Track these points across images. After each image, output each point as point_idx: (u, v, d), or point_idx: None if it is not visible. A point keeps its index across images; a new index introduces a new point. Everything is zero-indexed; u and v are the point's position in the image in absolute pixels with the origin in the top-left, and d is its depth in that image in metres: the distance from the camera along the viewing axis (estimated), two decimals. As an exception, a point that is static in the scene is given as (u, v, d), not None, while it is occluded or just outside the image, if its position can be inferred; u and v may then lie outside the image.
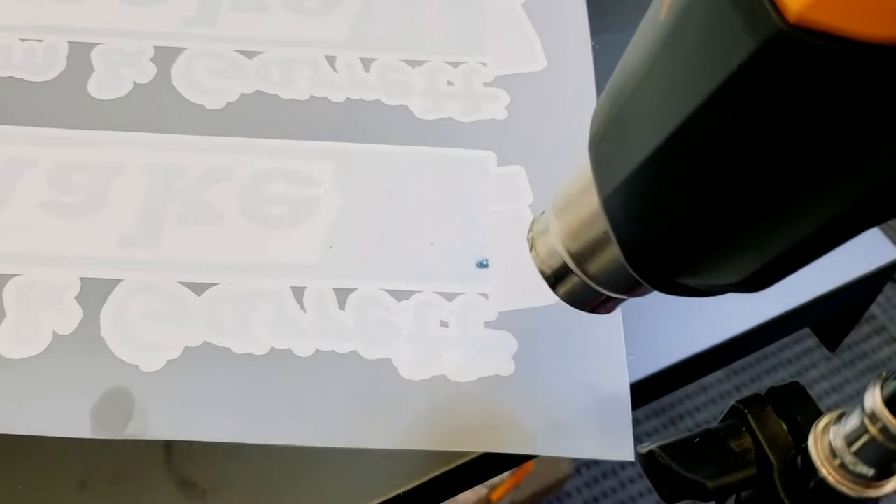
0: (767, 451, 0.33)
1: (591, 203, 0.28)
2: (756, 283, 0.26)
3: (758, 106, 0.20)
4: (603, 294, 0.32)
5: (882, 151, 0.20)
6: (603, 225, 0.28)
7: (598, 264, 0.31)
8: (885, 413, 0.27)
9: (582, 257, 0.31)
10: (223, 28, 0.53)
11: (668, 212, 0.25)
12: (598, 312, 0.34)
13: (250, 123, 0.48)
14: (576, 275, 0.32)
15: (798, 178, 0.21)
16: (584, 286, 0.32)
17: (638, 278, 0.28)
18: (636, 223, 0.27)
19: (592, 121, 0.28)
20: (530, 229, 0.34)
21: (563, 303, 0.42)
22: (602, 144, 0.27)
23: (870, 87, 0.19)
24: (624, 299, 0.33)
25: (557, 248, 0.32)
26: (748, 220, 0.23)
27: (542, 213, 0.33)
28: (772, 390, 0.35)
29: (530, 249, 0.34)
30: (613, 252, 0.29)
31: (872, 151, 0.20)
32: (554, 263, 0.32)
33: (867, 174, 0.21)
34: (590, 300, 0.33)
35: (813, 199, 0.22)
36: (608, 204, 0.27)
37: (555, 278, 0.33)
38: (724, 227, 0.24)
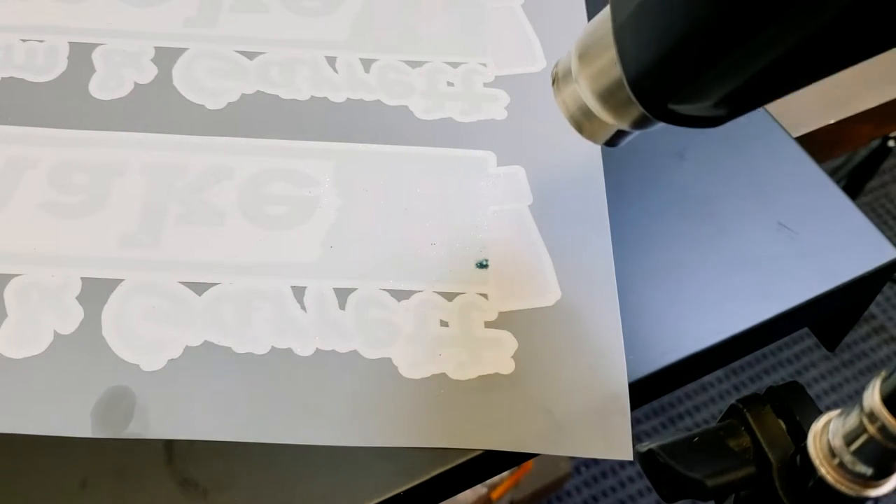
0: (766, 450, 0.33)
1: (609, 45, 0.33)
2: (732, 103, 0.31)
3: None
4: (615, 125, 0.36)
5: None
6: (612, 54, 0.33)
7: (613, 100, 0.35)
8: (883, 412, 0.27)
9: (601, 96, 0.35)
10: (224, 28, 0.53)
11: (661, 35, 0.30)
12: (609, 145, 0.38)
13: (251, 124, 0.48)
14: (594, 113, 0.36)
15: (763, 7, 0.26)
16: (601, 121, 0.36)
17: (638, 104, 0.33)
18: (638, 51, 0.32)
19: None
20: (555, 67, 0.38)
21: (562, 303, 0.42)
22: None
23: None
24: (630, 132, 0.37)
25: (581, 91, 0.36)
26: (724, 46, 0.28)
27: (566, 57, 0.37)
28: (771, 390, 0.35)
29: (553, 84, 0.38)
30: (624, 86, 0.33)
31: None
32: (576, 105, 0.37)
33: (818, 8, 0.25)
34: (603, 132, 0.37)
35: (774, 26, 0.26)
36: (618, 36, 0.32)
37: (576, 119, 0.38)
38: (705, 51, 0.29)
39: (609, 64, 0.34)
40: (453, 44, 0.53)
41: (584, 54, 0.36)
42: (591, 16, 0.55)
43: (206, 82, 0.50)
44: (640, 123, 0.35)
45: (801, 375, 1.28)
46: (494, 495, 1.04)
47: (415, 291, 0.42)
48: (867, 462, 0.29)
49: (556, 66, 0.38)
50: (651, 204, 0.47)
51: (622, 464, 1.15)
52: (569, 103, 0.38)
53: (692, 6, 0.29)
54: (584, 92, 0.36)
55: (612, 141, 0.38)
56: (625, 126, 0.36)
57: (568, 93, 0.37)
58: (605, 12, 0.34)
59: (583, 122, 0.38)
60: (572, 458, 1.14)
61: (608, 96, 0.35)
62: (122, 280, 0.42)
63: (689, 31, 0.29)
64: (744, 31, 0.27)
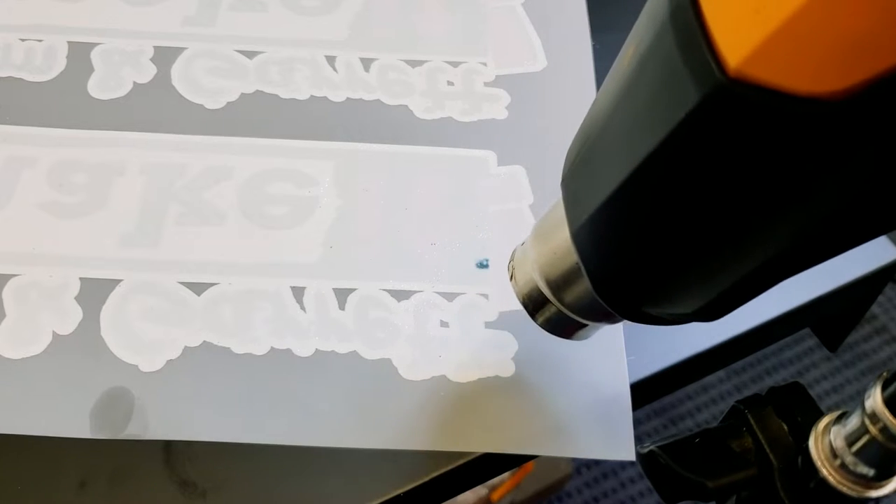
0: (768, 451, 0.33)
1: (564, 236, 0.30)
2: (709, 313, 0.28)
3: (704, 152, 0.22)
4: (578, 322, 0.33)
5: (815, 195, 0.21)
6: (574, 257, 0.30)
7: (571, 294, 0.32)
8: (885, 413, 0.27)
9: (557, 287, 0.32)
10: (223, 28, 0.53)
11: (627, 246, 0.27)
12: (576, 339, 0.35)
13: (250, 123, 0.48)
14: (552, 304, 0.33)
15: (742, 218, 0.23)
16: (560, 314, 0.33)
17: (606, 307, 0.30)
18: (601, 256, 0.29)
19: (566, 159, 0.30)
20: (511, 259, 0.35)
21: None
22: (572, 181, 0.29)
23: (802, 136, 0.20)
24: (599, 326, 0.34)
25: (535, 277, 0.33)
26: (699, 256, 0.25)
27: (523, 243, 0.35)
28: (772, 390, 0.35)
29: (510, 278, 0.35)
30: (584, 283, 0.30)
31: (807, 194, 0.22)
32: (531, 293, 0.34)
33: (803, 215, 0.22)
34: (566, 327, 0.34)
35: (755, 238, 0.23)
36: (577, 237, 0.29)
37: (533, 306, 0.34)
38: (677, 261, 0.26)
39: (572, 266, 0.31)
40: (453, 43, 0.53)
41: (546, 254, 0.32)
42: (591, 15, 0.55)
43: (205, 82, 0.50)
44: (618, 320, 0.33)
45: (803, 376, 1.28)
46: (495, 496, 1.04)
47: (415, 291, 0.42)
48: (869, 463, 0.28)
49: (512, 259, 0.35)
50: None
51: (623, 465, 1.14)
52: (533, 302, 0.34)
53: (649, 228, 0.26)
54: (548, 292, 0.33)
55: (581, 335, 0.35)
56: (602, 325, 0.34)
57: (531, 293, 0.34)
58: (559, 205, 0.31)
59: (553, 322, 0.34)
60: (573, 459, 1.14)
61: (578, 300, 0.32)
62: (120, 280, 0.42)
63: (649, 249, 0.26)
64: (709, 250, 0.25)
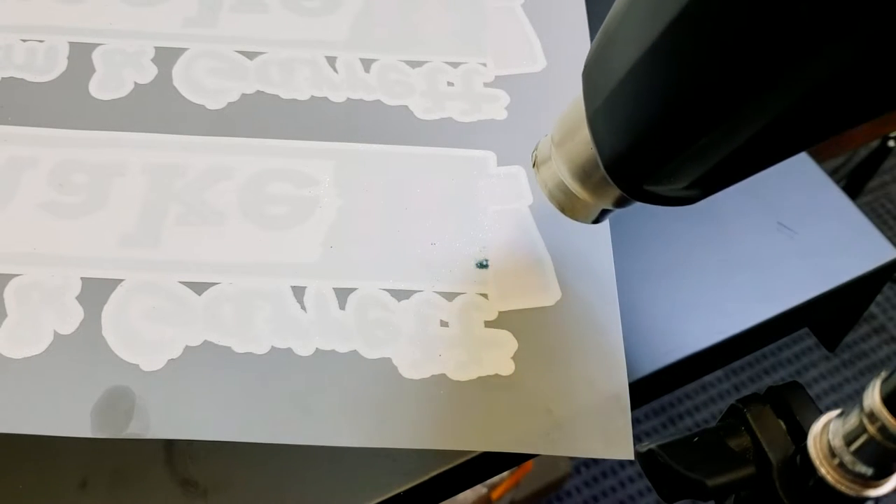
0: (766, 450, 0.33)
1: (583, 126, 0.34)
2: (703, 185, 0.32)
3: (710, 27, 0.26)
4: (598, 205, 0.37)
5: (805, 69, 0.25)
6: (588, 141, 0.34)
7: (591, 180, 0.36)
8: (883, 412, 0.27)
9: (578, 176, 0.36)
10: (223, 29, 0.53)
11: (634, 123, 0.31)
12: (595, 223, 0.39)
13: (251, 123, 0.48)
14: (573, 193, 0.37)
15: (735, 91, 0.27)
16: (582, 201, 0.37)
17: (615, 186, 0.34)
18: (612, 137, 0.33)
19: (586, 57, 0.34)
20: (535, 150, 0.40)
21: (562, 303, 0.42)
22: (591, 72, 0.33)
23: (795, 9, 0.24)
24: (612, 210, 0.38)
25: (559, 170, 0.37)
26: (696, 130, 0.29)
27: (544, 137, 0.39)
28: (771, 390, 0.35)
29: (533, 166, 0.40)
30: (600, 167, 0.34)
31: (797, 68, 0.25)
32: (556, 185, 0.38)
33: (790, 92, 0.26)
34: (587, 211, 0.38)
35: (746, 113, 0.28)
36: (593, 123, 0.33)
37: (557, 199, 0.38)
38: (676, 136, 0.30)
39: (585, 148, 0.35)
40: (453, 44, 0.53)
41: (562, 139, 0.37)
42: (590, 15, 0.55)
43: (206, 82, 0.50)
44: (619, 203, 0.36)
45: (802, 375, 1.28)
46: (494, 495, 1.04)
47: (415, 291, 0.42)
48: (867, 462, 0.29)
49: (536, 148, 0.40)
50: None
51: (622, 464, 1.15)
52: (549, 184, 0.38)
53: (660, 98, 0.30)
54: (564, 174, 0.37)
55: (597, 219, 0.39)
56: (605, 205, 0.37)
57: (548, 174, 0.38)
58: (578, 99, 0.35)
59: (564, 202, 0.38)
60: (572, 458, 1.14)
61: (586, 178, 0.36)
62: (122, 280, 0.42)
63: (658, 119, 0.30)
64: (708, 120, 0.29)
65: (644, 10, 0.29)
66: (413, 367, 0.40)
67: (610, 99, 0.32)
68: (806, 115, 0.27)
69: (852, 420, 0.28)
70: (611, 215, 0.39)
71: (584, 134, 0.34)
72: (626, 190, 0.34)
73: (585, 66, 0.34)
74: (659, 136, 0.31)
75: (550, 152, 0.38)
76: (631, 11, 0.30)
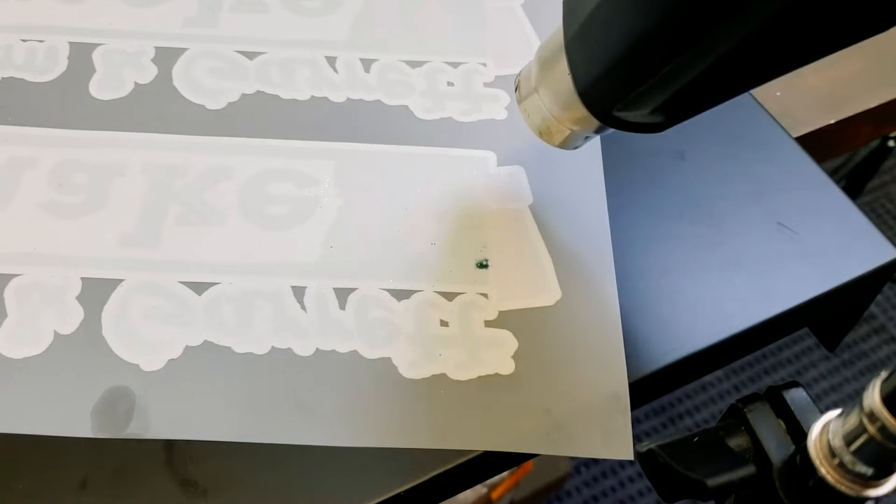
0: (766, 450, 0.33)
1: (560, 46, 0.37)
2: (667, 112, 0.35)
3: None
4: (577, 132, 0.40)
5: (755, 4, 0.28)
6: (564, 64, 0.37)
7: (570, 110, 0.38)
8: (883, 412, 0.27)
9: (559, 105, 0.39)
10: (224, 29, 0.53)
11: (606, 48, 0.34)
12: (572, 148, 0.42)
13: (251, 123, 0.48)
14: (556, 121, 0.40)
15: (691, 20, 0.30)
16: (563, 128, 0.40)
17: (587, 111, 0.37)
18: (586, 63, 0.36)
19: None
20: (518, 75, 0.42)
21: (562, 303, 0.42)
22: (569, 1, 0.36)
23: None
24: (591, 136, 0.41)
25: (542, 103, 0.40)
26: (660, 56, 0.32)
27: (525, 69, 0.41)
28: (771, 390, 0.35)
29: (515, 89, 0.42)
30: (572, 89, 0.37)
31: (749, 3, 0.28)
32: (540, 116, 0.40)
33: (747, 19, 0.29)
34: (566, 139, 0.41)
35: (706, 39, 0.30)
36: (569, 49, 0.36)
37: (540, 129, 0.41)
38: (644, 61, 0.33)
39: (562, 74, 0.37)
40: (453, 44, 0.53)
41: (543, 64, 0.39)
42: (591, 16, 0.55)
43: (206, 82, 0.50)
44: (596, 128, 0.39)
45: (802, 375, 1.28)
46: (494, 495, 1.04)
47: (415, 291, 0.42)
48: (867, 462, 0.29)
49: (519, 74, 0.42)
50: (651, 204, 0.47)
51: (622, 464, 1.15)
52: (529, 110, 0.41)
53: (628, 26, 0.33)
54: (544, 99, 0.39)
55: (573, 144, 0.41)
56: (581, 131, 0.39)
57: (529, 100, 0.41)
58: (560, 25, 0.37)
59: (542, 126, 0.41)
60: (572, 458, 1.14)
61: (563, 103, 0.38)
62: (122, 280, 0.42)
63: (627, 45, 0.33)
64: (672, 47, 0.32)
65: None
66: (413, 366, 0.40)
67: (584, 26, 0.35)
68: (763, 45, 0.30)
69: (852, 420, 0.28)
70: (588, 141, 0.41)
71: (562, 60, 0.37)
72: (597, 115, 0.37)
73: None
74: (627, 63, 0.33)
75: (532, 79, 0.40)
76: None
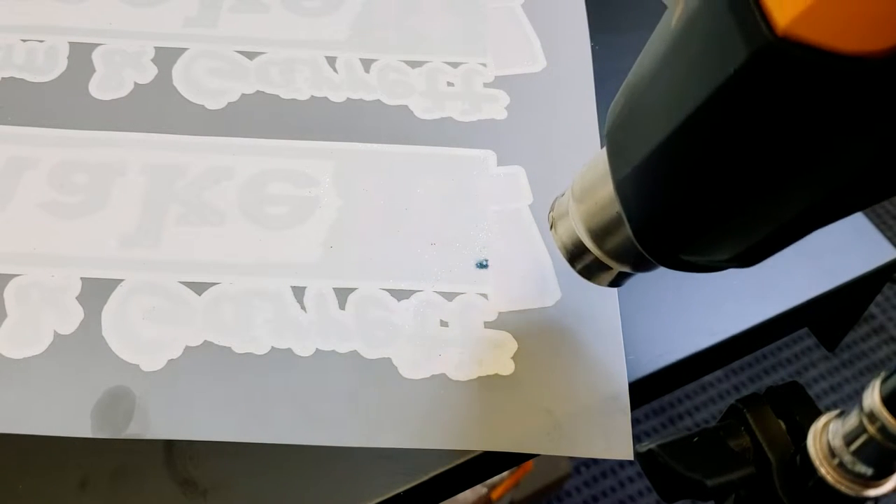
0: (766, 450, 0.33)
1: (607, 187, 0.32)
2: (747, 259, 0.30)
3: (750, 105, 0.24)
4: (615, 269, 0.36)
5: (853, 149, 0.23)
6: (616, 207, 0.32)
7: (611, 242, 0.34)
8: (883, 412, 0.27)
9: (597, 236, 0.35)
10: (224, 29, 0.53)
11: (670, 196, 0.29)
12: (612, 286, 0.38)
13: (251, 123, 0.48)
14: (591, 252, 0.35)
15: (782, 170, 0.25)
16: (599, 262, 0.36)
17: (646, 255, 0.32)
18: (644, 205, 0.30)
19: (610, 112, 0.31)
20: (551, 210, 0.38)
21: (562, 303, 0.42)
22: (617, 134, 0.31)
23: (844, 93, 0.22)
24: (633, 273, 0.36)
25: (576, 227, 0.35)
26: (739, 206, 0.27)
27: (562, 195, 0.37)
28: (770, 390, 0.35)
29: (551, 228, 0.38)
30: (625, 231, 0.32)
31: (845, 148, 0.23)
32: (572, 242, 0.36)
33: (840, 169, 0.24)
34: (603, 274, 0.37)
35: (792, 190, 0.25)
36: (620, 188, 0.31)
37: (572, 255, 0.37)
38: (718, 211, 0.28)
39: (608, 209, 0.33)
40: (453, 44, 0.53)
41: (582, 195, 0.35)
42: (590, 15, 0.55)
43: (205, 82, 0.50)
44: (639, 267, 0.35)
45: (801, 375, 1.28)
46: (494, 495, 1.04)
47: (415, 291, 0.42)
48: (867, 462, 0.29)
49: (553, 206, 0.38)
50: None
51: (622, 464, 1.15)
52: (565, 239, 0.36)
53: (694, 176, 0.27)
54: (581, 231, 0.35)
55: (614, 282, 0.37)
56: (623, 268, 0.35)
57: (564, 230, 0.36)
58: (601, 157, 0.33)
59: (579, 259, 0.36)
60: (572, 458, 1.14)
61: (606, 237, 0.34)
62: (121, 280, 0.42)
63: (690, 196, 0.28)
64: (746, 200, 0.27)
65: (674, 80, 0.27)
66: (413, 367, 0.40)
67: (639, 169, 0.29)
68: (856, 189, 0.25)
69: (852, 420, 0.28)
70: (630, 278, 0.37)
71: (608, 193, 0.32)
72: (660, 260, 0.32)
73: (610, 124, 0.31)
74: (693, 214, 0.29)
75: (568, 208, 0.36)
76: (660, 77, 0.28)
